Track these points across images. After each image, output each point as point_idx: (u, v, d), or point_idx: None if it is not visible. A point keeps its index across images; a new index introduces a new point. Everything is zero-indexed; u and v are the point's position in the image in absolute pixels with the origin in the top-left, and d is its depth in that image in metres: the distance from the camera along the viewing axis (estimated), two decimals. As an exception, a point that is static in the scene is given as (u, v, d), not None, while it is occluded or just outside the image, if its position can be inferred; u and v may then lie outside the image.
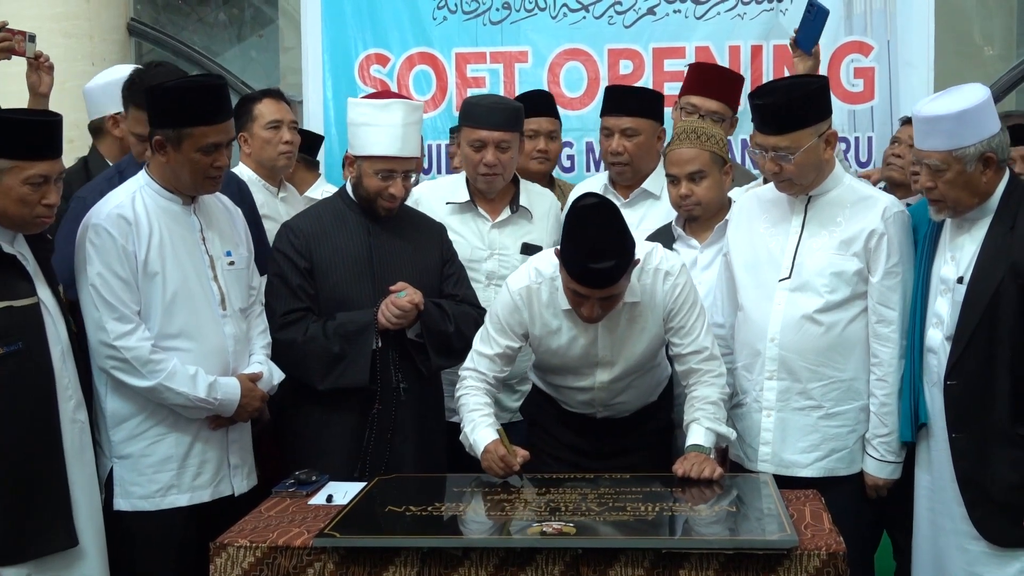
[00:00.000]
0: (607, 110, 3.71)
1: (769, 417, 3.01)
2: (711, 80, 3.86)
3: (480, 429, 2.89)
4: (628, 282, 2.81)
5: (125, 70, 3.81)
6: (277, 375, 3.11)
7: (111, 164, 3.60)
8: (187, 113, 2.84)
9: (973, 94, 2.73)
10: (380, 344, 3.14)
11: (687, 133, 3.28)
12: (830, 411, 2.96)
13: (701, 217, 3.31)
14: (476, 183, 3.59)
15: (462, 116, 3.65)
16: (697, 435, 2.87)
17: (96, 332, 2.84)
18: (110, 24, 5.96)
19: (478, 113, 3.54)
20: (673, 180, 3.30)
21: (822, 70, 4.01)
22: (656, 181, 3.68)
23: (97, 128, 3.79)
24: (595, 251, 2.67)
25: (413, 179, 3.30)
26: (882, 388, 2.93)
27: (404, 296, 3.10)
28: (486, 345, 3.02)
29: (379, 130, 3.15)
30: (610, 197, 3.62)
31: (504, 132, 3.49)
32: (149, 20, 6.80)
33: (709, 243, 3.31)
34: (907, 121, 4.10)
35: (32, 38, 3.55)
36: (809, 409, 2.97)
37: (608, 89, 3.85)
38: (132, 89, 3.32)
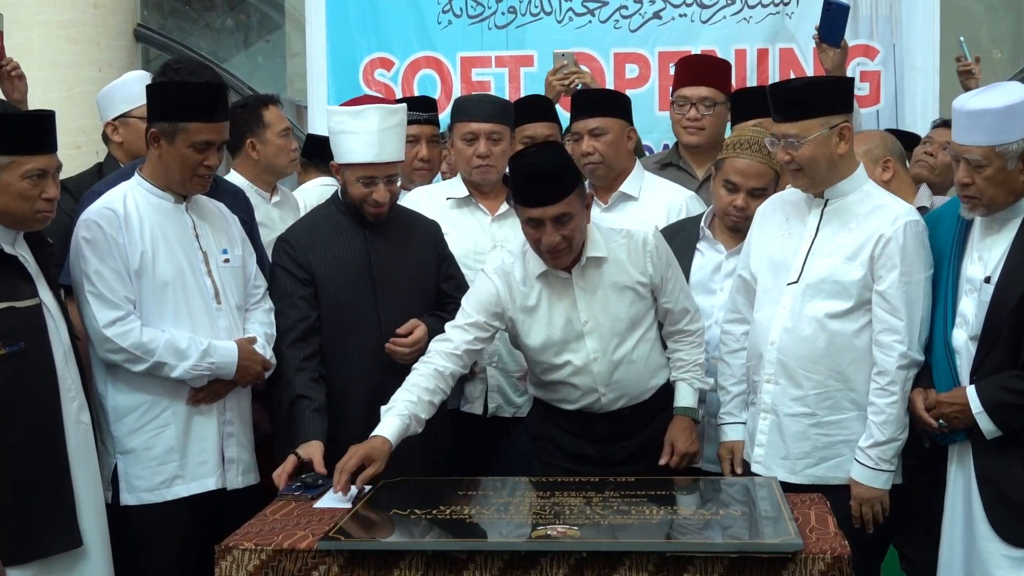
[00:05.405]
0: (573, 116, 3.71)
1: (765, 420, 2.99)
2: (696, 69, 3.99)
3: (385, 416, 2.85)
4: (581, 213, 2.89)
5: (130, 76, 3.83)
6: (270, 353, 3.10)
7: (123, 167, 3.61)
8: (184, 108, 2.89)
9: (1017, 90, 2.69)
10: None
11: (759, 145, 3.19)
12: (823, 419, 2.93)
13: (744, 229, 3.25)
14: (471, 177, 3.61)
15: (453, 114, 3.70)
16: (685, 396, 3.15)
17: (92, 325, 2.87)
18: (117, 30, 5.97)
19: (468, 107, 3.66)
20: (731, 188, 3.23)
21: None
22: (634, 183, 3.67)
23: (104, 135, 3.81)
24: (535, 165, 2.87)
25: (399, 183, 3.29)
26: (883, 397, 2.84)
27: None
28: (460, 317, 3.03)
29: (355, 137, 3.14)
30: None
31: (494, 124, 3.56)
32: (156, 26, 6.82)
33: (735, 251, 3.27)
34: (941, 124, 4.11)
35: None
36: (802, 416, 2.93)
37: (573, 97, 3.83)
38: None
